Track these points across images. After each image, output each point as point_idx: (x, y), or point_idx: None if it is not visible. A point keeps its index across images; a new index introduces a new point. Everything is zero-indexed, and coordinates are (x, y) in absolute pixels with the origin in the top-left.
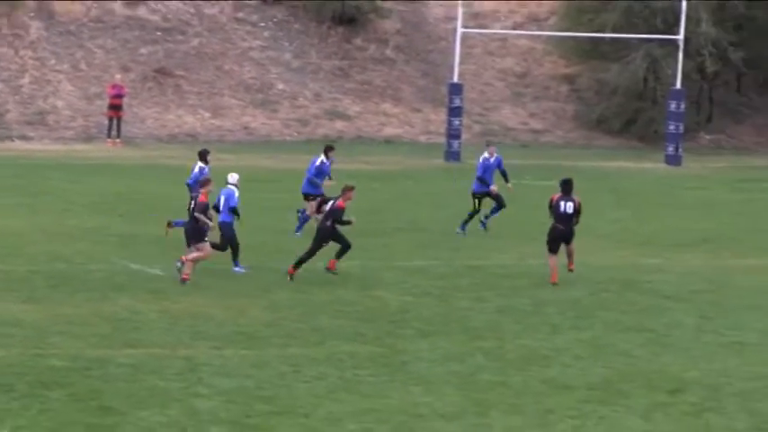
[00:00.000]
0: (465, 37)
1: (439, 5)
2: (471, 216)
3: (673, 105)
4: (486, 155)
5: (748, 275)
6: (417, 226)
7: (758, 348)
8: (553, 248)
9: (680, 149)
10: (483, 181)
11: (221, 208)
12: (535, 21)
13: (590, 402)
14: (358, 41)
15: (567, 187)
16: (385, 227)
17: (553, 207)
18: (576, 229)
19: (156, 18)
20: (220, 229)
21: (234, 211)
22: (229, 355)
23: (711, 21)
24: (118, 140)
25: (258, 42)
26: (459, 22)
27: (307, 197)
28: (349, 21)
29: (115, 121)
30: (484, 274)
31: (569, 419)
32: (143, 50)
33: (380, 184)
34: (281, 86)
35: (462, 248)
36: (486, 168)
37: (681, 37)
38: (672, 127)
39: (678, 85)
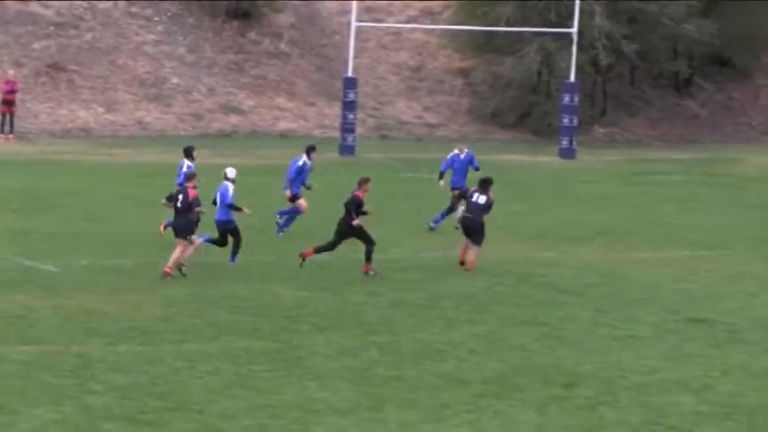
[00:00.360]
0: (359, 31)
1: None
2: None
3: (566, 98)
4: (455, 151)
5: (642, 269)
6: (312, 220)
7: (652, 342)
8: (466, 235)
9: (574, 143)
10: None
11: (218, 205)
12: (429, 14)
13: (485, 396)
14: (252, 35)
15: (483, 185)
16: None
17: (467, 197)
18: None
19: (48, 13)
20: (217, 226)
21: (232, 207)
22: (123, 352)
23: (605, 14)
24: (11, 136)
25: (152, 37)
26: (354, 16)
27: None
28: (243, 15)
29: (8, 117)
30: (378, 268)
31: (465, 414)
32: (36, 45)
33: (275, 179)
34: (175, 81)
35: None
36: (459, 164)
37: (574, 30)
38: (566, 120)
39: (572, 79)
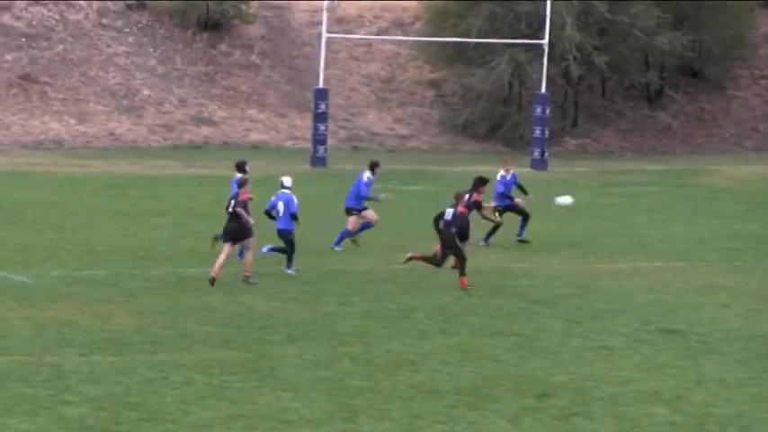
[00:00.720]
0: (330, 42)
1: (304, 11)
2: (495, 229)
3: (538, 110)
4: (502, 173)
5: (614, 280)
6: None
7: (625, 352)
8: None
9: (546, 154)
10: (506, 195)
11: (280, 214)
12: (400, 26)
13: (458, 407)
14: (223, 47)
15: (474, 185)
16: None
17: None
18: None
19: (20, 24)
20: (280, 235)
21: (294, 217)
22: (97, 362)
23: (576, 25)
24: None
25: (123, 48)
26: (324, 28)
27: (350, 212)
28: (214, 26)
29: None
30: (350, 278)
31: (438, 424)
32: (8, 57)
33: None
34: (146, 92)
35: (328, 253)
36: (506, 185)
37: (545, 41)
38: (537, 132)
39: (543, 90)
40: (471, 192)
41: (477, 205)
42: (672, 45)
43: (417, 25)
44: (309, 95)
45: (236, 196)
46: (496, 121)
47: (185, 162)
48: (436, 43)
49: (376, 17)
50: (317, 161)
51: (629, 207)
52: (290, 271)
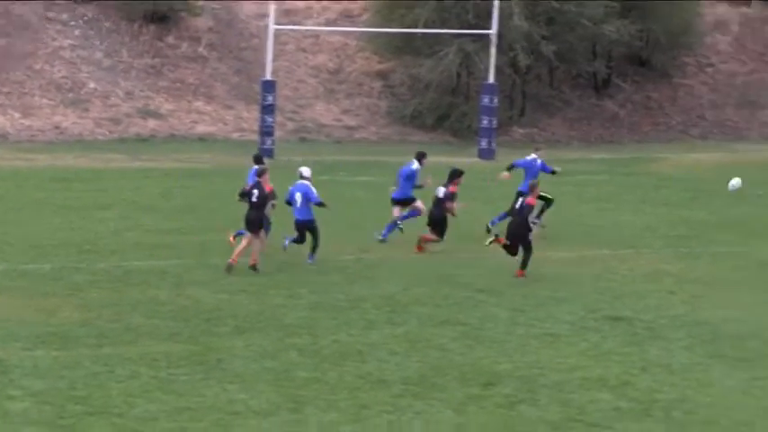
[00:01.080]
0: (277, 34)
1: (251, 3)
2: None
3: (486, 100)
4: (533, 155)
5: (561, 267)
6: (231, 224)
7: (570, 340)
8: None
9: (493, 144)
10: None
11: (298, 204)
12: (348, 17)
13: (405, 397)
14: (170, 39)
15: (449, 177)
16: (199, 225)
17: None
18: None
19: None
20: (297, 225)
21: (320, 205)
22: (41, 356)
23: (523, 15)
24: None
25: (69, 41)
26: (272, 19)
27: (399, 202)
28: (161, 19)
29: None
30: (298, 270)
31: (385, 414)
32: None
33: (194, 182)
34: (92, 85)
35: (275, 245)
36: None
37: (493, 31)
38: (485, 121)
39: (491, 80)
40: (448, 184)
41: (452, 197)
42: (619, 34)
43: (365, 16)
44: (257, 87)
45: (259, 186)
46: (444, 111)
47: (132, 155)
48: (384, 34)
49: (324, 8)
50: (265, 153)
51: (576, 196)
52: (310, 261)
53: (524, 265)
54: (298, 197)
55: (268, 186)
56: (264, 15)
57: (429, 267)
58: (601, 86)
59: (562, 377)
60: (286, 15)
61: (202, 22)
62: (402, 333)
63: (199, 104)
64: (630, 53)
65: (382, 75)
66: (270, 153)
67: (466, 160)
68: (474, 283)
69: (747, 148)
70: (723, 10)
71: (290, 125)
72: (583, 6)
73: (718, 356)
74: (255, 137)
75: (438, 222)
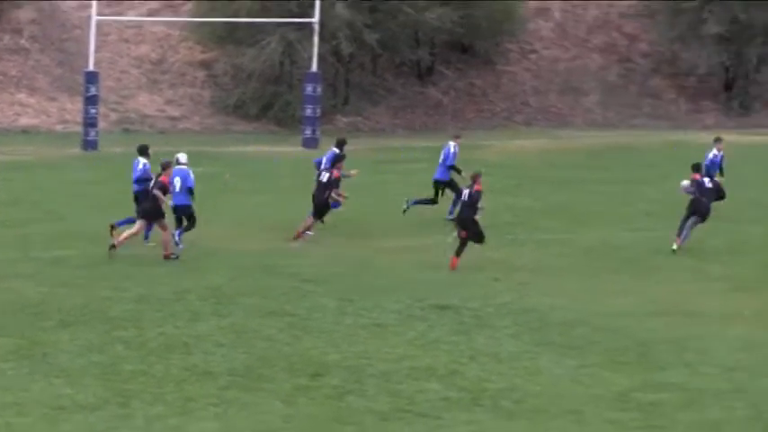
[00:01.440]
0: (100, 25)
1: None
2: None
3: (309, 89)
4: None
5: (387, 257)
6: (55, 216)
7: (397, 330)
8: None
9: (317, 132)
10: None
11: (176, 189)
12: (171, 7)
13: (231, 389)
14: None
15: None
16: (21, 217)
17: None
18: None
19: None
20: (176, 210)
21: (191, 191)
22: None
23: (346, 3)
24: None
25: None
26: (94, 10)
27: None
28: None
29: None
30: (122, 263)
31: (211, 407)
32: None
33: (17, 175)
34: None
35: (100, 238)
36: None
37: (316, 20)
38: (309, 110)
39: (314, 69)
40: (331, 169)
41: (335, 182)
42: (441, 21)
43: (188, 6)
44: (80, 79)
45: (157, 179)
46: (268, 100)
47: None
48: (207, 24)
49: None
50: (89, 144)
51: (401, 184)
52: (178, 239)
53: (458, 252)
54: (177, 182)
55: (164, 178)
56: (87, 6)
57: (255, 258)
58: (424, 74)
59: (390, 367)
60: (108, 6)
61: (24, 14)
62: (228, 324)
63: (21, 97)
64: (453, 40)
65: (205, 65)
66: (94, 144)
67: (290, 149)
68: (301, 273)
69: (571, 134)
70: None
71: (114, 116)
72: None
73: (546, 344)
74: (79, 128)
75: (320, 206)
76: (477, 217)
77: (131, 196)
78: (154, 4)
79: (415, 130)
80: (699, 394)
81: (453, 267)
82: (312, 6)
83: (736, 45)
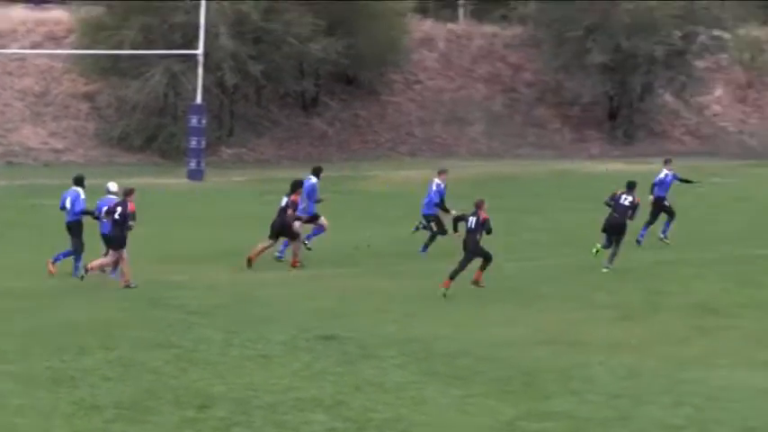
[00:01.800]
0: None
1: None
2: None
3: (194, 120)
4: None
5: (272, 288)
6: None
7: (282, 360)
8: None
9: (202, 164)
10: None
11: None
12: (53, 39)
13: (118, 422)
14: None
15: (291, 188)
16: None
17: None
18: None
19: None
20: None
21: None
22: None
23: (230, 34)
24: None
25: None
26: None
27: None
28: None
29: None
30: (9, 296)
31: None
32: None
33: None
34: None
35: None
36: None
37: (200, 51)
38: (193, 142)
39: (199, 100)
40: (290, 194)
41: (294, 205)
42: (326, 52)
43: (71, 38)
44: None
45: (123, 204)
46: (152, 132)
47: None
48: (90, 56)
49: (29, 31)
50: None
51: None
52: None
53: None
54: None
55: (132, 206)
56: None
57: (140, 291)
58: (309, 105)
59: (276, 398)
60: None
61: None
62: (115, 358)
63: None
64: (338, 71)
65: (89, 96)
66: None
67: (175, 181)
68: (186, 305)
69: (456, 164)
70: (429, 26)
71: None
72: (289, 25)
73: (432, 374)
74: None
75: (282, 229)
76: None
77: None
78: (37, 37)
79: (299, 161)
80: (584, 423)
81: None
82: (196, 38)
83: (619, 74)
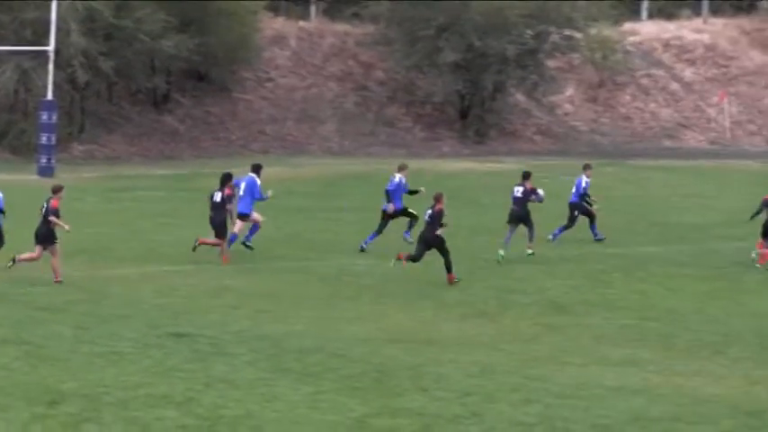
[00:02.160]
0: None
1: None
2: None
3: (44, 117)
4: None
5: (123, 285)
6: None
7: (133, 357)
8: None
9: (53, 161)
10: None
11: None
12: None
13: None
14: None
15: (221, 181)
16: None
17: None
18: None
19: None
20: None
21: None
22: None
23: (81, 31)
24: None
25: None
26: None
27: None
28: None
29: None
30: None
31: None
32: None
33: None
34: None
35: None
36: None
37: (51, 48)
38: (44, 138)
39: (50, 97)
40: (222, 188)
41: (229, 199)
42: (178, 49)
43: None
44: None
45: (47, 201)
46: (2, 128)
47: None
48: None
49: None
50: None
51: (137, 212)
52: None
53: (448, 269)
54: None
55: (54, 203)
56: None
57: None
58: (160, 102)
59: (127, 395)
60: None
61: None
62: None
63: None
64: (189, 68)
65: None
66: None
67: (25, 177)
68: (36, 302)
69: (308, 161)
70: (281, 24)
71: None
72: (141, 22)
73: (282, 371)
74: None
75: (219, 225)
76: (439, 232)
77: None
78: None
79: (150, 158)
80: (435, 419)
81: (451, 282)
82: (47, 34)
83: (471, 73)
